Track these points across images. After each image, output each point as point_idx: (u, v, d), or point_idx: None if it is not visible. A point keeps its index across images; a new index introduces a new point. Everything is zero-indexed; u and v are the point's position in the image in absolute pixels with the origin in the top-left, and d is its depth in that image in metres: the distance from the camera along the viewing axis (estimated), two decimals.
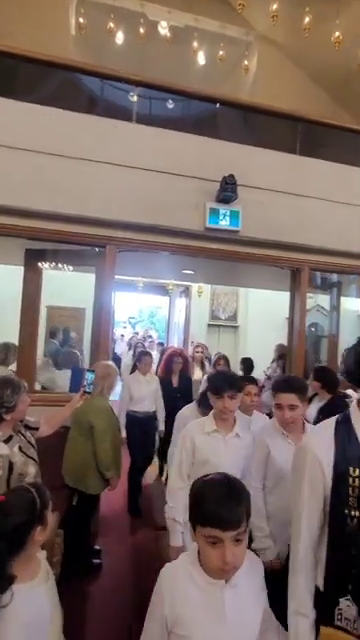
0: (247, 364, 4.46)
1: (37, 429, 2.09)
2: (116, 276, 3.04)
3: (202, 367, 4.61)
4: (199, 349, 5.90)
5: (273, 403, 1.80)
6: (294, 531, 0.99)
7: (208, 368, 4.76)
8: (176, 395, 3.68)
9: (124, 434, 3.10)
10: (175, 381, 3.86)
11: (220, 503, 0.88)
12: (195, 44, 4.81)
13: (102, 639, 2.01)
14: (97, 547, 2.72)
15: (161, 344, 8.36)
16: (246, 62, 5.14)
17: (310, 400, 2.91)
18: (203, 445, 1.73)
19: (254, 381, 2.40)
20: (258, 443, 1.79)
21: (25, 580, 1.06)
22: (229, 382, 1.75)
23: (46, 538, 1.17)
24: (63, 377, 3.76)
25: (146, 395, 3.48)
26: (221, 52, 4.74)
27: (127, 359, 6.79)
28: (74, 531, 2.43)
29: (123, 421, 3.32)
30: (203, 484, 0.95)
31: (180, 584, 0.96)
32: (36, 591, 1.08)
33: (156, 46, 5.14)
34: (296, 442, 1.68)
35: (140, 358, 3.63)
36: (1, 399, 1.74)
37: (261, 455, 1.77)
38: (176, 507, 1.73)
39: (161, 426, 3.56)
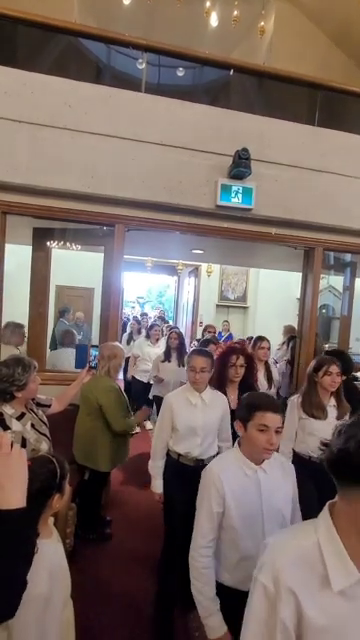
0: None
1: (49, 406, 2.15)
2: (125, 256, 2.99)
3: (267, 371, 3.12)
4: (212, 329, 5.39)
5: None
6: None
7: (277, 374, 3.27)
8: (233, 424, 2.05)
9: (159, 489, 2.06)
10: (234, 399, 2.28)
11: None
12: (208, 3, 4.47)
13: (113, 603, 2.14)
14: (108, 518, 2.84)
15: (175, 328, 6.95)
16: (262, 23, 4.77)
17: None
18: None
19: None
20: None
21: (44, 538, 1.15)
22: None
23: (62, 506, 1.26)
24: (66, 356, 3.65)
25: (203, 426, 1.99)
26: (235, 12, 4.40)
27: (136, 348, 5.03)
28: (86, 503, 2.55)
29: (158, 471, 2.06)
30: None
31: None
32: (55, 547, 1.19)
33: (166, 8, 4.81)
34: None
35: (191, 360, 2.03)
36: (12, 377, 1.78)
37: None
38: None
39: None
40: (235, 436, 1.62)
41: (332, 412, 2.20)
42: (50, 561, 1.10)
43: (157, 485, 2.08)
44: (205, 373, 2.01)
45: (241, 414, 1.36)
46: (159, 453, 2.08)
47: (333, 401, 2.24)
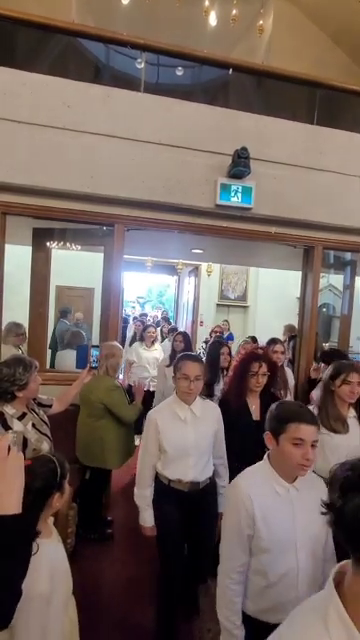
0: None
1: (50, 406, 2.16)
2: (125, 256, 2.99)
3: (281, 377, 2.79)
4: (219, 329, 4.66)
5: None
6: None
7: (292, 379, 3.01)
8: (258, 437, 1.56)
9: (150, 523, 1.77)
10: (256, 409, 2.02)
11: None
12: (207, 2, 4.46)
13: (114, 603, 2.14)
14: (109, 518, 2.84)
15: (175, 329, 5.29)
16: (261, 22, 4.76)
17: (317, 383, 2.88)
18: None
19: None
20: None
21: (44, 538, 1.14)
22: None
23: (62, 505, 1.27)
24: (70, 356, 3.65)
25: (196, 445, 1.73)
26: (234, 11, 4.39)
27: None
28: (87, 503, 2.55)
29: (146, 500, 1.77)
30: None
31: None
32: (55, 546, 1.20)
33: (164, 7, 4.80)
34: None
35: (183, 366, 1.75)
36: (13, 376, 1.79)
37: None
38: None
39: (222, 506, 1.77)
40: (253, 452, 1.32)
41: (354, 424, 1.93)
42: (50, 561, 1.10)
43: (146, 518, 1.77)
44: (200, 382, 1.75)
45: (272, 425, 1.21)
46: (146, 480, 1.78)
47: (353, 412, 1.96)
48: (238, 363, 2.11)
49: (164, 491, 1.77)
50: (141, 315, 7.40)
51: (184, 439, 1.72)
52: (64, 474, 1.22)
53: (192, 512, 1.75)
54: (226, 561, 1.20)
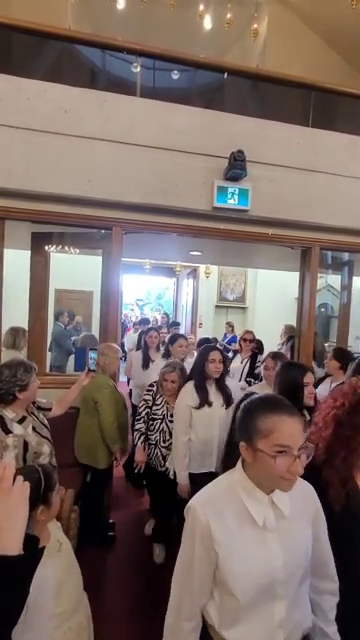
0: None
1: (49, 409, 2.16)
2: (123, 258, 3.01)
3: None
4: (250, 336, 3.36)
5: None
6: None
7: None
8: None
9: None
10: None
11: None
12: (201, 7, 4.51)
13: (116, 606, 2.14)
14: (111, 520, 2.84)
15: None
16: (255, 25, 4.80)
17: (321, 381, 2.90)
18: None
19: None
20: None
21: None
22: None
23: (50, 519, 1.22)
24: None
25: (288, 575, 0.86)
26: (229, 15, 4.43)
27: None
28: (89, 506, 2.56)
29: None
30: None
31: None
32: (42, 562, 1.14)
33: (159, 12, 4.84)
34: None
35: (264, 417, 0.85)
36: (14, 377, 1.80)
37: None
38: None
39: None
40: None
41: None
42: None
43: None
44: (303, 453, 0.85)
45: None
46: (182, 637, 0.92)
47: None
48: (345, 413, 1.10)
49: None
50: (141, 321, 5.80)
51: (267, 566, 0.86)
52: (50, 486, 1.16)
53: None
54: None
